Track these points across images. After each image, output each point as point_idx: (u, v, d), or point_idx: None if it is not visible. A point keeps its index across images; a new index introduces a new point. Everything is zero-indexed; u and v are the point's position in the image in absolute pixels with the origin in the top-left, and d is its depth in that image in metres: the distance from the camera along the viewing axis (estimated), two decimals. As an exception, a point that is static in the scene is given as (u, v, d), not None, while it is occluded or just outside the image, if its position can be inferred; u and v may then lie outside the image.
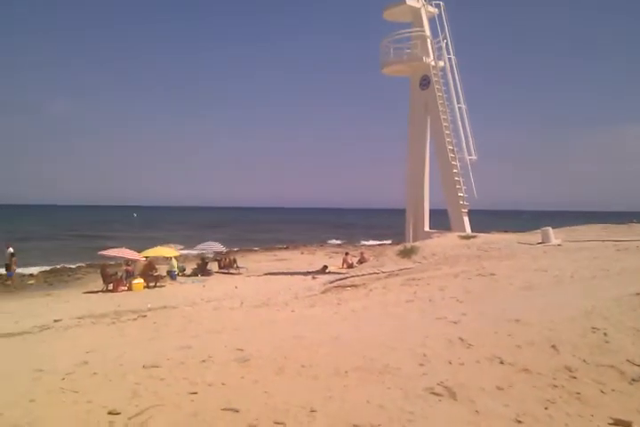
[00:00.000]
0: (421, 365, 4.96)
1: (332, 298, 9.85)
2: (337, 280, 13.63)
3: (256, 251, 39.61)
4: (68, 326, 10.18)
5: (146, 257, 22.36)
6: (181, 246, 27.47)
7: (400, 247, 16.44)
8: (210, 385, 4.78)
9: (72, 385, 5.00)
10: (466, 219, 22.37)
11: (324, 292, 11.36)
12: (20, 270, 24.49)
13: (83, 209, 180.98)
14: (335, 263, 26.40)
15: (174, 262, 23.80)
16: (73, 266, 29.31)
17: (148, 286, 20.64)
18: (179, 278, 23.22)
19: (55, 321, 11.95)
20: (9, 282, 22.79)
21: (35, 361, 6.20)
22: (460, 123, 22.87)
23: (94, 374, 5.32)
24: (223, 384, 4.78)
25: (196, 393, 4.58)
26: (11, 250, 23.16)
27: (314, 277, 20.35)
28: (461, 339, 5.63)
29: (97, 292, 20.00)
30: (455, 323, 6.40)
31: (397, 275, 12.44)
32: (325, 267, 24.57)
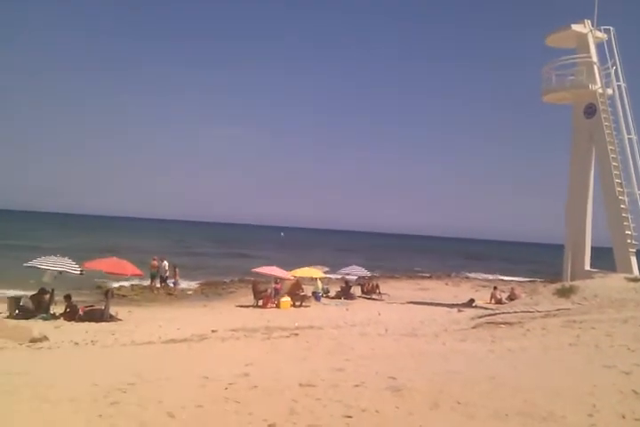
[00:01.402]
0: (590, 415, 4.60)
1: (485, 334, 9.47)
2: (487, 316, 13.09)
3: (398, 278, 39.36)
4: (224, 338, 10.84)
5: (294, 276, 23.23)
6: (327, 269, 28.11)
7: (557, 286, 15.41)
8: (364, 411, 4.81)
9: (234, 395, 5.30)
10: (634, 259, 20.42)
11: (474, 327, 10.96)
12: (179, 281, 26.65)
13: (231, 227, 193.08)
14: (482, 297, 25.39)
15: (319, 284, 24.44)
16: (227, 280, 31.31)
17: (294, 305, 21.37)
18: (322, 300, 23.77)
19: (212, 331, 12.78)
20: (173, 291, 24.93)
21: (200, 368, 6.67)
22: (629, 154, 21.12)
23: (254, 387, 5.60)
24: (377, 412, 4.79)
25: (350, 417, 4.64)
26: (166, 263, 25.25)
27: (459, 310, 19.74)
28: (635, 392, 5.14)
29: (248, 306, 21.12)
30: (627, 374, 5.87)
31: (555, 315, 11.65)
32: (472, 300, 23.71)
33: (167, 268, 25.49)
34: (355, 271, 27.32)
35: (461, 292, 30.37)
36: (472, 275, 46.95)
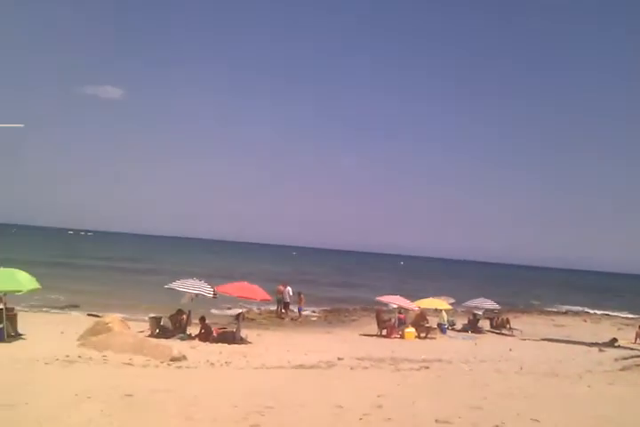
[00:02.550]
0: None
1: (637, 378, 8.60)
2: (635, 357, 11.90)
3: (530, 312, 37.12)
4: (352, 366, 10.81)
5: (418, 307, 22.69)
6: (452, 300, 27.19)
7: None
8: (508, 454, 4.53)
9: None
10: None
11: (622, 369, 10.00)
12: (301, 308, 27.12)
13: (350, 254, 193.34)
14: (626, 336, 23.14)
15: (445, 315, 23.64)
16: (350, 308, 31.34)
17: (418, 337, 20.83)
18: (448, 332, 22.94)
19: (339, 359, 12.79)
20: (297, 317, 25.40)
21: (332, 396, 6.68)
22: None
23: (389, 419, 5.50)
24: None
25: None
26: (289, 289, 25.73)
27: (601, 350, 18.14)
28: None
29: (371, 335, 20.92)
30: None
31: None
32: (615, 340, 21.69)
33: (291, 294, 26.07)
34: (483, 304, 26.15)
35: (601, 330, 27.94)
36: (614, 313, 43.15)
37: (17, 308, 15.75)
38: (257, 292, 17.47)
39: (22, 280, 13.74)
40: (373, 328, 21.88)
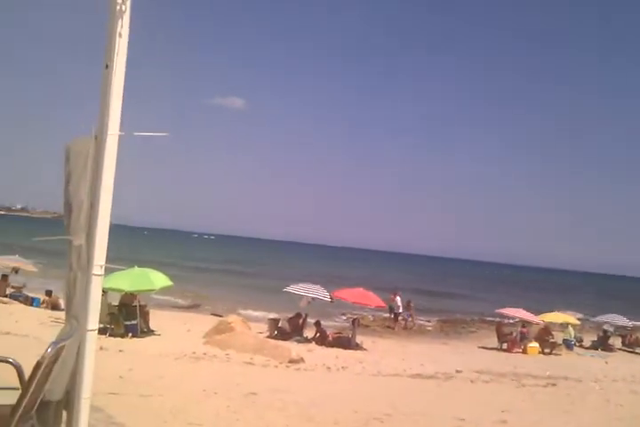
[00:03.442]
0: None
1: None
2: None
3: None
4: (472, 379, 10.44)
5: (542, 321, 21.49)
6: (580, 315, 25.48)
7: None
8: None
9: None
10: None
11: None
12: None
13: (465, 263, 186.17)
14: None
15: (571, 331, 22.17)
16: (467, 318, 30.40)
17: (542, 352, 19.68)
18: (575, 349, 21.49)
19: (457, 371, 12.40)
20: (411, 326, 25.02)
21: (453, 409, 6.48)
22: None
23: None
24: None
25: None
26: (399, 298, 25.23)
27: None
28: None
29: (491, 349, 20.10)
30: None
31: None
32: None
33: (399, 303, 25.65)
34: (614, 320, 24.24)
35: None
36: None
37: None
38: (372, 298, 17.47)
39: (154, 279, 14.80)
40: (492, 341, 21.01)
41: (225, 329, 14.12)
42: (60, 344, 2.36)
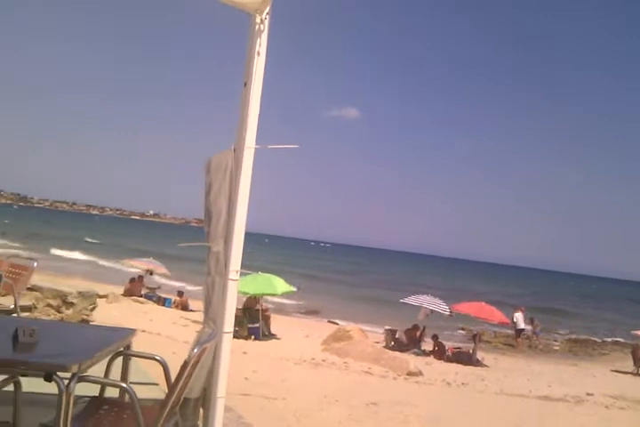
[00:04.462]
0: None
1: None
2: None
3: None
4: (606, 404, 9.67)
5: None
6: None
7: None
8: None
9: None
10: None
11: None
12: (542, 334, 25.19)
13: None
14: None
15: None
16: (598, 340, 28.28)
17: (687, 380, 17.81)
18: None
19: (588, 394, 11.55)
20: (537, 344, 23.69)
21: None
22: None
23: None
24: None
25: None
26: (520, 314, 23.67)
27: None
28: None
29: (626, 373, 18.51)
30: None
31: None
32: None
33: (522, 319, 24.28)
34: None
35: None
36: None
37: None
38: (495, 313, 16.81)
39: (277, 285, 15.33)
40: (627, 365, 19.36)
41: (343, 337, 14.23)
42: (205, 345, 2.51)
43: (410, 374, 11.46)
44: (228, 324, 3.23)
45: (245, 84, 3.21)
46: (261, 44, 3.19)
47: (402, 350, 15.96)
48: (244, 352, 10.81)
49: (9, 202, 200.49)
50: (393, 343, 16.91)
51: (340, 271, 55.99)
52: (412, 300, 17.66)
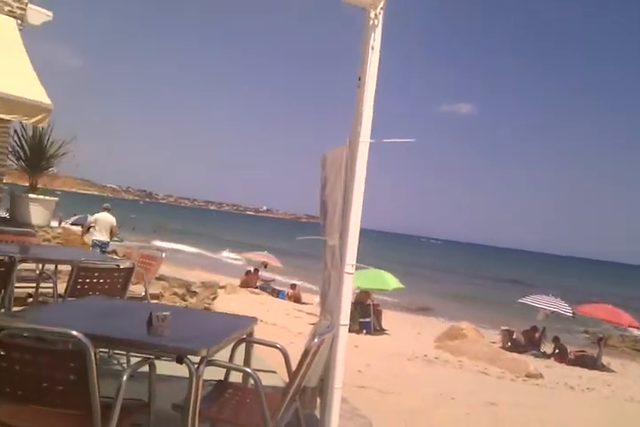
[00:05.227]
0: None
1: None
2: None
3: None
4: None
5: None
6: None
7: None
8: None
9: None
10: None
11: None
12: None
13: None
14: None
15: None
16: None
17: None
18: None
19: None
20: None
21: None
22: None
23: None
24: None
25: None
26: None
27: None
28: None
29: None
30: None
31: None
32: None
33: None
34: None
35: None
36: None
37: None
38: (623, 317, 15.66)
39: (389, 280, 15.28)
40: None
41: (457, 335, 13.93)
42: (324, 336, 2.56)
43: (529, 375, 10.95)
44: (344, 316, 3.27)
45: (360, 79, 3.23)
46: (375, 39, 3.18)
47: (519, 352, 15.30)
48: (356, 346, 10.89)
49: (136, 198, 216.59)
50: (510, 344, 16.26)
51: (447, 269, 54.58)
52: (533, 300, 16.89)
